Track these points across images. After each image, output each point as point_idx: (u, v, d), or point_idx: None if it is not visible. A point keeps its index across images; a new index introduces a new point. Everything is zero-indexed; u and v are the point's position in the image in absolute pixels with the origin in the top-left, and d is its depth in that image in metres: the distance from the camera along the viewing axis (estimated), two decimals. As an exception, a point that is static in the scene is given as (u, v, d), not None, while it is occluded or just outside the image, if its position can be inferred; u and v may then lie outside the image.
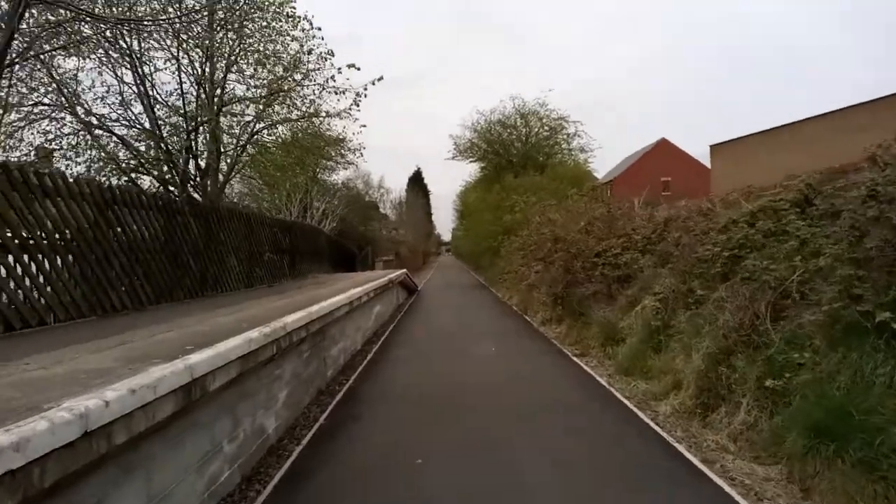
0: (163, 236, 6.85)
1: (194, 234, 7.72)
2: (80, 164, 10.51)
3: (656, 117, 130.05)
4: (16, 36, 7.10)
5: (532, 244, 12.56)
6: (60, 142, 10.36)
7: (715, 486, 3.54)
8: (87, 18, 8.01)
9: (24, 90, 9.56)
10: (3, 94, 8.76)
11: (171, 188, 11.19)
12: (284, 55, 11.33)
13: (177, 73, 10.97)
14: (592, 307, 8.79)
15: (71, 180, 5.38)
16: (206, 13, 9.74)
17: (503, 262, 18.51)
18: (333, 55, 11.47)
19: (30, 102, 9.84)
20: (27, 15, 7.28)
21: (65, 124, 10.35)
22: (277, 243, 11.98)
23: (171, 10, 9.51)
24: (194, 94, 11.23)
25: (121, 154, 11.11)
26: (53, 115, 10.17)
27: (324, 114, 12.47)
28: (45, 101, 10.02)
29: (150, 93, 10.82)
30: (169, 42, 10.42)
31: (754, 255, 5.12)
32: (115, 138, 10.90)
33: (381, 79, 11.75)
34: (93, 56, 9.94)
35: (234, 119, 12.07)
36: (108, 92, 10.67)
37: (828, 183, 5.23)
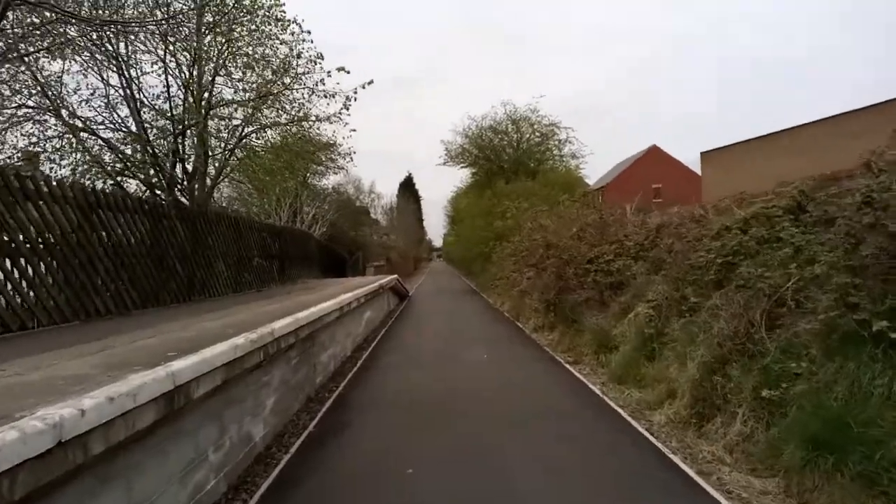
0: (149, 240, 6.74)
1: (181, 239, 7.61)
2: (65, 167, 10.35)
3: (654, 118, 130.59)
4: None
5: (524, 250, 12.49)
6: (45, 144, 10.18)
7: (711, 498, 3.46)
8: (73, 21, 7.88)
9: (7, 92, 9.40)
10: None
11: (158, 192, 11.03)
12: (273, 59, 11.30)
13: (164, 75, 10.88)
14: (585, 314, 8.71)
15: (54, 183, 5.28)
16: (193, 16, 9.66)
17: (495, 268, 18.45)
18: (323, 58, 11.47)
19: (13, 105, 9.68)
20: (11, 16, 7.14)
21: (49, 127, 10.21)
22: (267, 248, 11.87)
23: (158, 12, 9.43)
24: (182, 97, 11.14)
25: (106, 157, 10.97)
26: (38, 117, 10.01)
27: (313, 118, 12.41)
28: (30, 103, 9.89)
29: (137, 96, 10.72)
30: (156, 45, 10.33)
31: (748, 263, 5.06)
32: (100, 141, 10.76)
33: (371, 82, 11.77)
34: (78, 58, 9.83)
35: (223, 122, 11.98)
36: (93, 94, 10.58)
37: (820, 190, 5.22)
